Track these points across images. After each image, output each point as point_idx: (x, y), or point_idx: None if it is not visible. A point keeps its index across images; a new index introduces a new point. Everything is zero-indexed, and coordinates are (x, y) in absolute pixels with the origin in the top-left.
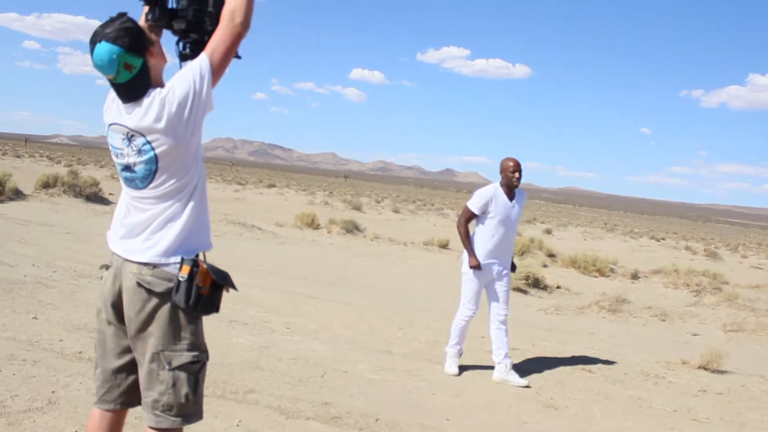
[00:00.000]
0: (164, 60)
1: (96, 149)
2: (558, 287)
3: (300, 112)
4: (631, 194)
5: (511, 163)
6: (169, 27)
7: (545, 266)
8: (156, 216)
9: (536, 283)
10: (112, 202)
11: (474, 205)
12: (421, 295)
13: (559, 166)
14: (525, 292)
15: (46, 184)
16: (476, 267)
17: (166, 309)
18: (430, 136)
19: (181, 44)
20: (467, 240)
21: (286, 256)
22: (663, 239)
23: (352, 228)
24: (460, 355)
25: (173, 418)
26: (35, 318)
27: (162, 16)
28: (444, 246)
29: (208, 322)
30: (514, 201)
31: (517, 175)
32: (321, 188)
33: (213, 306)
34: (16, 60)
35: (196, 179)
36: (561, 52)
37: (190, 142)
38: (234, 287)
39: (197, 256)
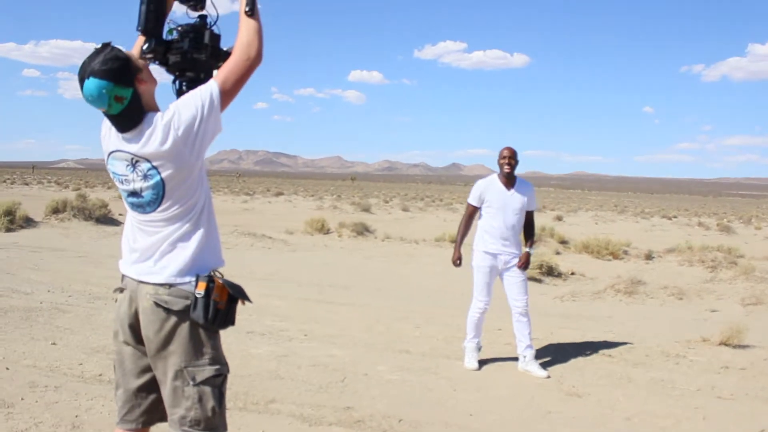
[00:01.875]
0: (154, 82)
1: (102, 171)
2: (572, 274)
3: (302, 118)
4: (640, 174)
5: (504, 152)
6: (164, 62)
7: (558, 253)
8: (165, 238)
9: (550, 271)
10: (121, 222)
11: (471, 197)
12: (435, 291)
13: (564, 152)
14: (539, 280)
15: (56, 210)
16: (455, 263)
17: (185, 326)
18: (433, 132)
19: (177, 83)
20: (458, 234)
21: (299, 263)
22: (675, 217)
23: (362, 230)
24: (479, 349)
25: None
26: (54, 344)
27: (158, 48)
28: (455, 241)
29: (226, 334)
30: (512, 190)
31: (506, 161)
32: (329, 192)
33: (230, 319)
34: (17, 89)
35: (203, 200)
36: (557, 38)
37: (194, 165)
38: (249, 299)
39: (211, 272)
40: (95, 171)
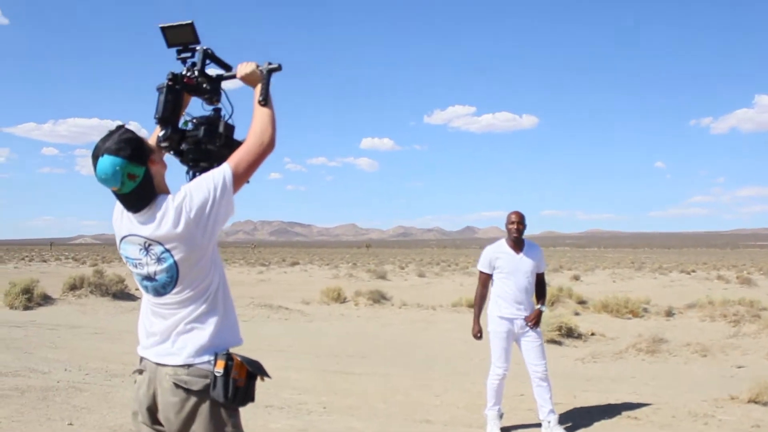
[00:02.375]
0: (164, 166)
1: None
2: (592, 334)
3: (315, 187)
4: (655, 230)
5: (512, 216)
6: (179, 151)
7: (577, 314)
8: (181, 320)
9: (570, 333)
10: (137, 297)
11: (481, 265)
12: (454, 358)
13: (578, 211)
14: (559, 342)
15: (73, 286)
16: (476, 336)
17: (206, 406)
18: (446, 196)
19: (191, 173)
20: (475, 306)
21: (316, 334)
22: (693, 272)
23: (378, 298)
24: (500, 416)
25: None
26: (70, 424)
27: (173, 136)
28: (473, 305)
29: (244, 409)
30: (521, 253)
31: (515, 226)
32: (344, 260)
33: (249, 396)
34: (36, 167)
35: (217, 280)
36: (565, 97)
37: (207, 246)
38: (268, 375)
39: (228, 350)
40: (111, 246)
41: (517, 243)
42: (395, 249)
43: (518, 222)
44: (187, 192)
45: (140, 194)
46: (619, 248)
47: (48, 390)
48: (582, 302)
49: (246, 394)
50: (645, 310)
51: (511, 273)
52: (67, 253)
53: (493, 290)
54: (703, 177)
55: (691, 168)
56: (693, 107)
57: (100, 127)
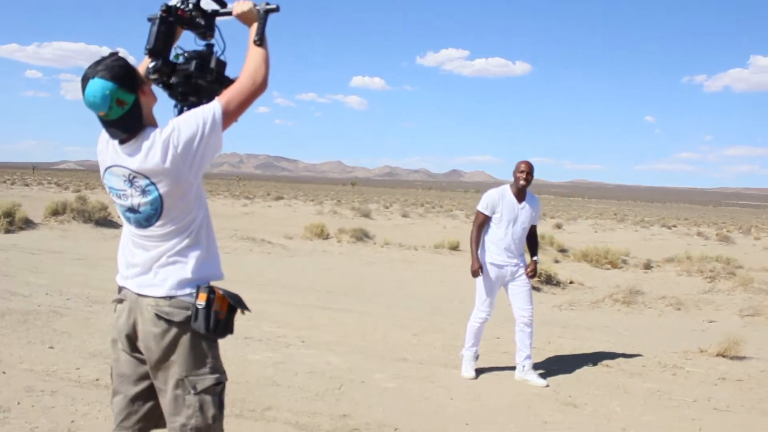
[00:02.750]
0: (154, 98)
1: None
2: (571, 282)
3: (303, 122)
4: (640, 183)
5: (522, 166)
6: (168, 85)
7: (557, 262)
8: (164, 253)
9: (549, 280)
10: (120, 225)
11: (482, 206)
12: (433, 299)
13: (565, 160)
14: (538, 289)
15: (56, 212)
16: (475, 273)
17: (186, 337)
18: (434, 138)
19: (179, 107)
20: (473, 244)
21: (298, 269)
22: (674, 226)
23: (361, 236)
24: (476, 358)
25: None
26: (51, 347)
27: (163, 68)
28: (454, 248)
29: (224, 340)
30: (524, 203)
31: (524, 175)
32: (329, 197)
33: (229, 328)
34: (19, 90)
35: (201, 215)
36: (560, 47)
37: (193, 182)
38: (248, 309)
39: (209, 283)
40: (95, 172)
41: (521, 192)
42: (380, 188)
43: (528, 172)
44: (175, 126)
45: (127, 122)
46: (603, 199)
47: (28, 313)
48: (563, 251)
49: (226, 327)
50: (624, 261)
51: (510, 221)
52: (49, 178)
53: (487, 236)
54: (692, 134)
55: (681, 124)
56: (687, 64)
57: (86, 51)
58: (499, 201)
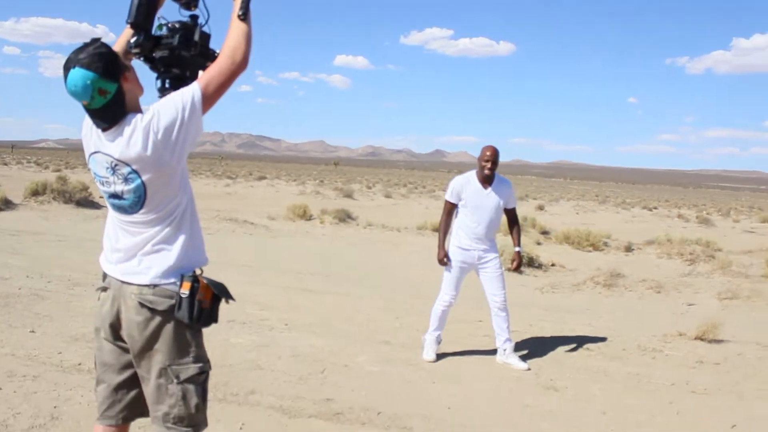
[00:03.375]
0: (140, 88)
1: (83, 152)
2: (552, 265)
3: (286, 101)
4: (622, 164)
5: (487, 153)
6: (150, 58)
7: (539, 244)
8: (148, 240)
9: (531, 262)
10: (102, 206)
11: (448, 194)
12: (417, 281)
13: (547, 141)
14: (520, 271)
15: (36, 192)
16: (441, 261)
17: (170, 326)
18: (418, 118)
19: (161, 80)
20: (441, 232)
21: (280, 250)
22: (655, 208)
23: (344, 217)
24: (438, 342)
25: (184, 429)
26: (32, 331)
27: (145, 43)
28: (437, 229)
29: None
30: (489, 189)
31: (488, 165)
32: (311, 177)
33: (213, 317)
34: None
35: (185, 202)
36: (544, 27)
37: (176, 167)
38: (232, 298)
39: (194, 271)
40: (76, 152)
41: (487, 179)
42: (363, 168)
43: (492, 160)
44: (155, 112)
45: (110, 111)
46: (585, 181)
47: (9, 296)
48: (545, 232)
49: (210, 316)
50: (605, 244)
51: (477, 207)
52: (29, 157)
53: (456, 221)
54: (674, 116)
55: (663, 106)
56: (671, 46)
57: (65, 27)
58: (464, 187)
